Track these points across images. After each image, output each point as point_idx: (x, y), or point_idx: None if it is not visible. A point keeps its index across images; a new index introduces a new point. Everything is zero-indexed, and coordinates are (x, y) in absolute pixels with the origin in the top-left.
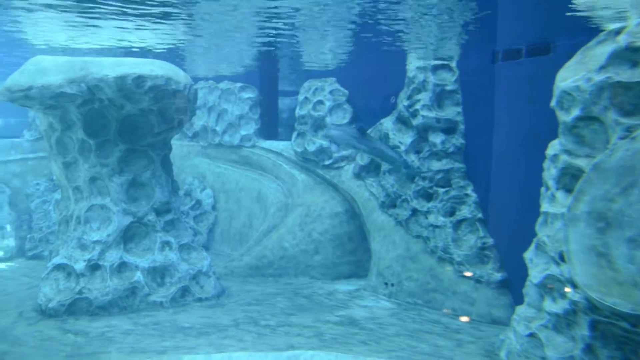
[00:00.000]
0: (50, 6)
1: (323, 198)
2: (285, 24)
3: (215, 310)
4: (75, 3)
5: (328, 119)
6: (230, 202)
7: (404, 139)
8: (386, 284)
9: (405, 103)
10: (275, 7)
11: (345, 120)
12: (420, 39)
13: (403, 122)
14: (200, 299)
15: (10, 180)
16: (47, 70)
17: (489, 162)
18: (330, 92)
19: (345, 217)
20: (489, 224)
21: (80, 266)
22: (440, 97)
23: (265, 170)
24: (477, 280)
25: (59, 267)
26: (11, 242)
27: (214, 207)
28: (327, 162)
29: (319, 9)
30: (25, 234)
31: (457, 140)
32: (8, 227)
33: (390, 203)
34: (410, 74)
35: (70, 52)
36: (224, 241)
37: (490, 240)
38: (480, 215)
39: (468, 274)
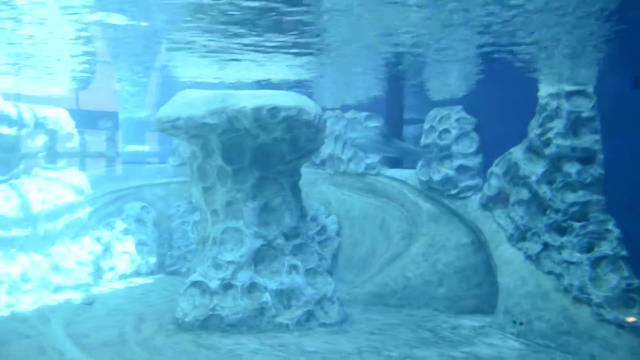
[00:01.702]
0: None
1: (448, 228)
2: (412, 54)
3: (339, 336)
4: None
5: (454, 148)
6: (355, 229)
7: (535, 169)
8: (514, 322)
9: (537, 131)
10: (397, 45)
11: (472, 150)
12: (552, 65)
13: (534, 151)
14: (324, 324)
15: (156, 202)
16: (192, 103)
17: (633, 195)
18: (457, 121)
19: (471, 248)
20: (634, 263)
21: (214, 284)
22: (575, 125)
23: (389, 199)
24: (619, 325)
25: (195, 283)
26: (153, 258)
27: (338, 233)
28: (452, 192)
29: (445, 42)
30: (165, 251)
31: (596, 170)
32: (151, 244)
33: (519, 236)
34: (542, 100)
35: (212, 85)
36: (347, 267)
37: (636, 282)
38: (624, 252)
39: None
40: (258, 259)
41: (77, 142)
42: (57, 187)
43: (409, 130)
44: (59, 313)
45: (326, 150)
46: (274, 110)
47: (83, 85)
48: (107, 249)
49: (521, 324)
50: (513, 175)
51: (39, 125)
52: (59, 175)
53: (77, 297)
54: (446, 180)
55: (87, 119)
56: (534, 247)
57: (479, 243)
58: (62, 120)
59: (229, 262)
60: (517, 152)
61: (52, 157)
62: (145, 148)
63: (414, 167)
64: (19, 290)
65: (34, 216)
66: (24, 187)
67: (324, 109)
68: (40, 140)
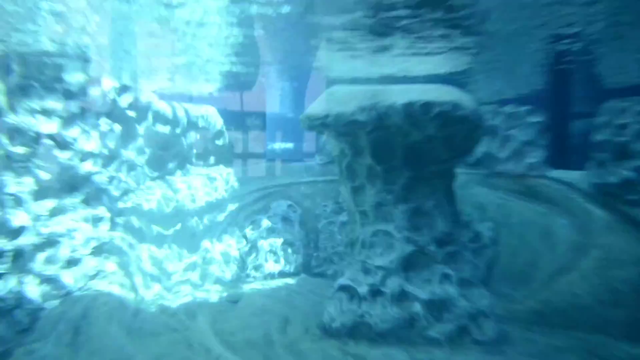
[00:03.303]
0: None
1: (626, 240)
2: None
3: (495, 357)
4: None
5: (634, 146)
6: (513, 237)
7: None
8: None
9: None
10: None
11: None
12: None
13: None
14: (477, 341)
15: (302, 200)
16: (341, 99)
17: None
18: (638, 114)
19: None
20: None
21: (363, 290)
22: None
23: (553, 204)
24: None
25: (343, 288)
26: (299, 258)
27: (494, 242)
28: (632, 197)
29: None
30: (311, 251)
31: None
32: (297, 244)
33: None
34: None
35: (362, 81)
36: (503, 279)
37: None
38: None
39: None
40: (408, 265)
41: (227, 139)
42: (207, 184)
43: (577, 125)
44: (206, 309)
45: (481, 148)
46: (427, 106)
47: (247, 87)
48: (253, 247)
49: None
50: None
51: (192, 124)
52: (209, 172)
53: (223, 294)
54: (625, 183)
55: (236, 118)
56: None
57: None
58: (213, 118)
59: (379, 267)
60: None
61: (203, 154)
62: (290, 146)
63: (582, 168)
64: (168, 285)
65: (185, 212)
66: (176, 184)
67: (480, 104)
68: (192, 138)
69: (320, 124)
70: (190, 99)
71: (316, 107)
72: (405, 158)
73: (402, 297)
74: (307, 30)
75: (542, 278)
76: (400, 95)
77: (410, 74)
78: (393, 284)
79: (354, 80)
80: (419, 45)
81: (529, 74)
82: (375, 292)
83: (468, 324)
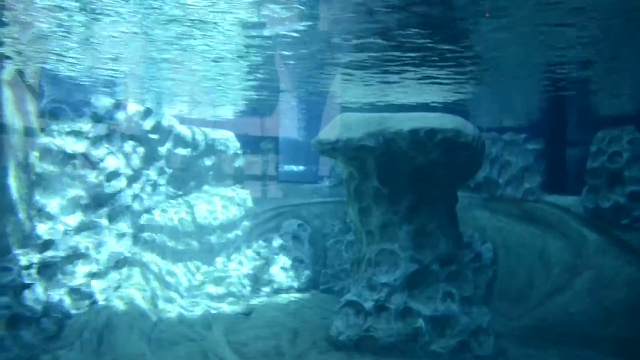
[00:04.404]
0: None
1: (618, 262)
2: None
3: None
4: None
5: (627, 173)
6: (510, 258)
7: None
8: None
9: None
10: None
11: None
12: None
13: None
14: (477, 357)
15: (312, 220)
16: (350, 126)
17: None
18: (629, 142)
19: None
20: None
21: (369, 305)
22: None
23: (549, 227)
24: None
25: (350, 303)
26: (308, 274)
27: (493, 262)
28: (624, 222)
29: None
30: (320, 268)
31: None
32: (306, 261)
33: None
34: None
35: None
36: (501, 298)
37: None
38: None
39: None
40: (412, 283)
41: (243, 162)
42: (223, 204)
43: (572, 152)
44: (220, 321)
45: (481, 173)
46: (431, 133)
47: (264, 113)
48: (265, 263)
49: None
50: None
51: (210, 147)
52: (225, 192)
53: (236, 307)
54: (617, 208)
55: (251, 141)
56: None
57: None
58: (229, 142)
59: (384, 284)
60: None
61: (220, 175)
62: (300, 168)
63: (577, 193)
64: (185, 297)
65: (202, 229)
66: (195, 203)
67: (480, 131)
68: (210, 160)
69: (331, 149)
70: (209, 123)
71: (327, 132)
72: (410, 181)
73: (406, 313)
74: (320, 62)
75: (537, 297)
76: (406, 122)
77: (416, 102)
78: (397, 300)
79: (364, 108)
80: (424, 75)
81: (527, 102)
82: (380, 308)
83: (469, 339)
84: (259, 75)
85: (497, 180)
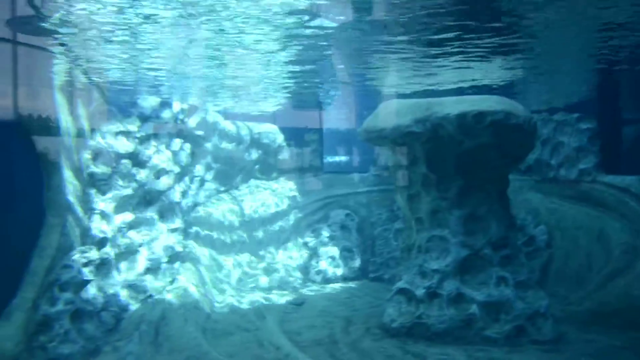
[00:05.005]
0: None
1: None
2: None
3: (552, 356)
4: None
5: None
6: (566, 241)
7: None
8: None
9: None
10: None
11: None
12: None
13: None
14: (536, 341)
15: (359, 209)
16: (397, 112)
17: None
18: None
19: None
20: None
21: (420, 292)
22: None
23: (607, 208)
24: None
25: (401, 291)
26: (357, 263)
27: (548, 245)
28: None
29: None
30: (368, 257)
31: None
32: (355, 250)
33: None
34: None
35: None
36: (558, 282)
37: None
38: None
39: None
40: (464, 268)
41: (287, 154)
42: (270, 196)
43: (628, 131)
44: (273, 311)
45: (532, 155)
46: (479, 116)
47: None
48: (314, 254)
49: None
50: None
51: (254, 141)
52: (271, 185)
53: (287, 297)
54: None
55: (295, 133)
56: None
57: None
58: (274, 135)
59: (435, 271)
60: None
61: (266, 168)
62: (347, 158)
63: (636, 173)
64: (237, 288)
65: (250, 222)
66: (242, 197)
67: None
68: (256, 154)
69: (378, 136)
70: (252, 117)
71: (373, 120)
72: (459, 166)
73: (458, 298)
74: (364, 47)
75: (597, 280)
76: (453, 106)
77: (463, 85)
78: (449, 286)
79: (408, 95)
80: (472, 56)
81: (578, 81)
82: (432, 295)
83: (525, 324)
84: (309, 66)
85: (550, 161)
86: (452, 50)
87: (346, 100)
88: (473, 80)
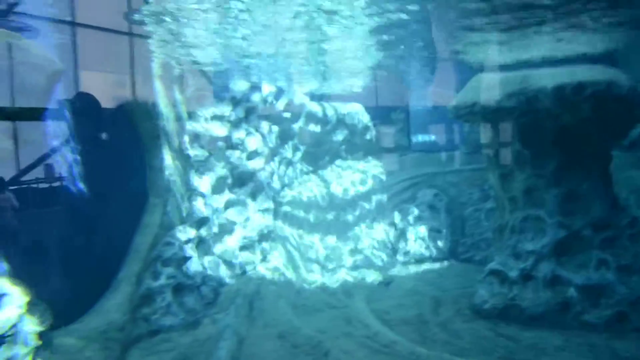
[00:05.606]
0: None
1: None
2: None
3: None
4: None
5: None
6: None
7: None
8: None
9: None
10: None
11: None
12: None
13: None
14: (639, 329)
15: (448, 189)
16: (488, 87)
17: None
18: None
19: None
20: None
21: (514, 274)
22: None
23: None
24: None
25: (494, 272)
26: (446, 244)
27: None
28: None
29: None
30: (458, 238)
31: None
32: (444, 231)
33: None
34: None
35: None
36: None
37: None
38: None
39: None
40: (561, 250)
41: (373, 134)
42: (357, 177)
43: None
44: (361, 290)
45: (637, 129)
46: (579, 87)
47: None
48: (402, 234)
49: None
50: None
51: (340, 121)
52: (358, 165)
53: (375, 277)
54: None
55: (381, 113)
56: None
57: None
58: (360, 115)
59: (530, 252)
60: None
61: (352, 149)
62: (435, 137)
63: None
64: (325, 267)
65: (337, 203)
66: (328, 177)
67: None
68: (341, 135)
69: (468, 112)
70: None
71: (463, 96)
72: (556, 142)
73: (554, 281)
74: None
75: None
76: (549, 78)
77: (559, 55)
78: (545, 268)
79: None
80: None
81: None
82: (526, 277)
83: (628, 310)
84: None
85: None
86: (549, 17)
87: (438, 77)
88: (572, 49)
